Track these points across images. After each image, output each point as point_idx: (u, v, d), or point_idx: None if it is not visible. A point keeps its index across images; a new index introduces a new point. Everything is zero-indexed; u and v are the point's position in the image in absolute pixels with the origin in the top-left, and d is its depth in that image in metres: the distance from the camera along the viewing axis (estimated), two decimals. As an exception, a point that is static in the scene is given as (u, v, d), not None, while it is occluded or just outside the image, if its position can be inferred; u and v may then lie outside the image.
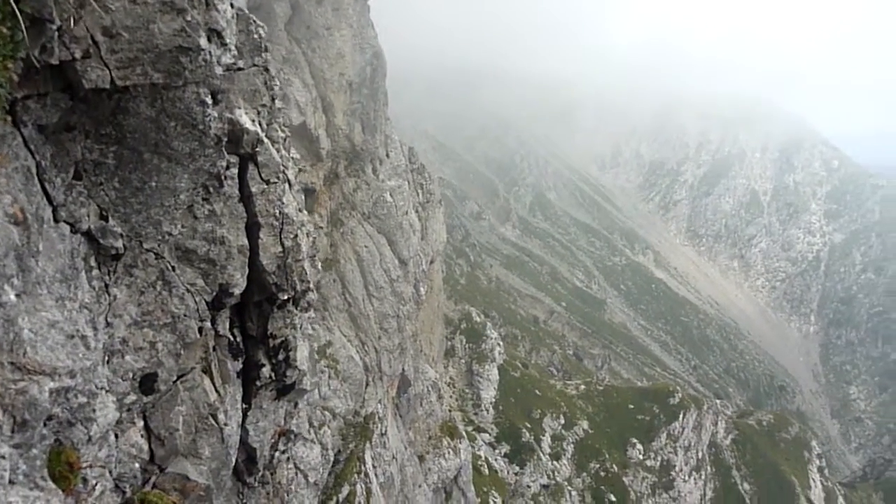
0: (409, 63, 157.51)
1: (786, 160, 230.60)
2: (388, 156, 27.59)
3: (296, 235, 4.99)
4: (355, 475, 23.39)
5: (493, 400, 64.88)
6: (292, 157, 5.28)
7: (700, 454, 77.13)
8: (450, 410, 52.27)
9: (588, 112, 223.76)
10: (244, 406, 5.15)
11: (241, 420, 5.07)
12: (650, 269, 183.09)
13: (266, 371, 5.18)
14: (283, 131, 5.17)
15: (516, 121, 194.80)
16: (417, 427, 31.80)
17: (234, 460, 5.08)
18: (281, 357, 5.24)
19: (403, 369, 29.51)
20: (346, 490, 23.06)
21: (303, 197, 5.45)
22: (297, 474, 20.99)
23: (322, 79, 23.78)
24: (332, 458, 22.46)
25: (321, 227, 25.11)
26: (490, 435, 61.49)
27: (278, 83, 19.15)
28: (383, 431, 26.22)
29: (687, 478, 74.04)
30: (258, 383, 5.19)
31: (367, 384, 25.67)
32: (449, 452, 33.13)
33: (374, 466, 25.04)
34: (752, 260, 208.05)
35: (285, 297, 5.08)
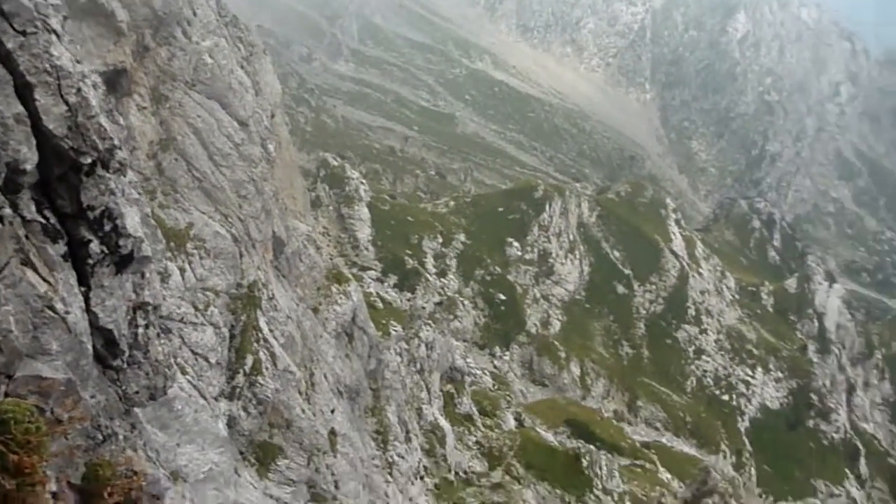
0: None
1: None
2: (195, 14, 25.29)
3: (79, 89, 4.34)
4: (255, 344, 23.37)
5: (370, 237, 65.49)
6: (52, 4, 4.49)
7: (571, 237, 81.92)
8: (331, 258, 52.47)
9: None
10: (83, 289, 4.69)
11: (84, 305, 4.63)
12: (490, 74, 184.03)
13: (95, 247, 4.68)
14: (28, -26, 4.36)
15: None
16: (303, 283, 31.73)
17: (90, 348, 4.69)
18: (108, 228, 4.73)
19: (274, 231, 28.90)
20: (249, 360, 23.06)
21: (77, 48, 4.73)
22: (196, 359, 20.73)
23: (96, -57, 21.01)
24: (227, 335, 22.22)
25: (145, 108, 23.26)
26: (375, 271, 62.61)
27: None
28: (271, 295, 26.02)
29: (564, 261, 78.94)
30: (91, 261, 4.71)
31: (241, 255, 25.05)
32: (340, 298, 33.49)
33: (271, 331, 25.03)
34: (584, 42, 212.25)
35: (90, 162, 4.50)
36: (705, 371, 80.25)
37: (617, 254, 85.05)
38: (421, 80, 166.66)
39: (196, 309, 20.87)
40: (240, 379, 22.72)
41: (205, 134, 24.55)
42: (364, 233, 65.28)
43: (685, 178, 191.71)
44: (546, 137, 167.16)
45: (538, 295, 73.88)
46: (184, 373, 19.33)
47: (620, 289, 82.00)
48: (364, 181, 71.47)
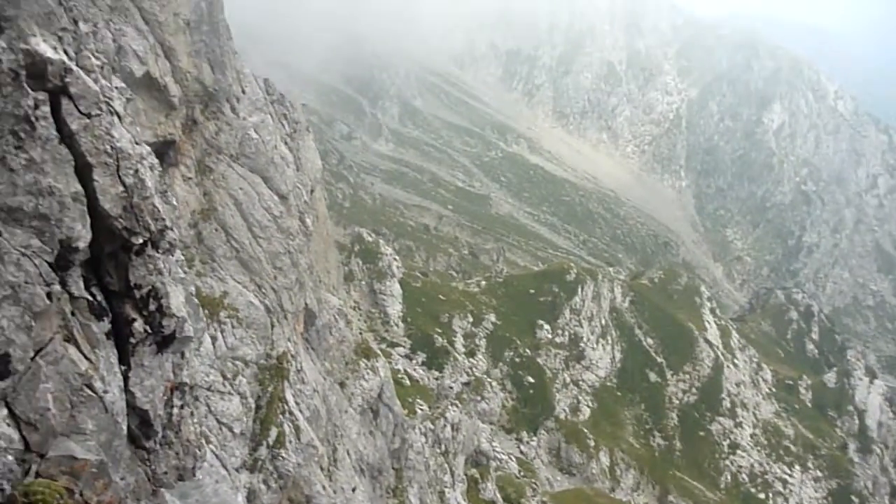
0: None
1: (634, 27, 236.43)
2: (244, 91, 26.15)
3: (136, 170, 4.43)
4: (280, 416, 23.11)
5: (401, 314, 65.44)
6: (117, 87, 4.64)
7: (603, 321, 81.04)
8: (360, 333, 52.41)
9: (434, 11, 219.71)
10: (123, 368, 4.67)
11: (122, 384, 4.61)
12: (526, 157, 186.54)
13: (139, 325, 4.68)
14: (97, 58, 4.51)
15: (368, 34, 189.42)
16: (332, 356, 31.56)
17: (125, 428, 4.64)
18: (153, 307, 4.73)
19: (306, 303, 28.98)
20: (274, 432, 22.74)
21: (138, 130, 4.84)
22: (221, 428, 20.54)
23: (156, 23, 21.96)
24: (253, 405, 22.03)
25: (190, 178, 23.81)
26: (404, 347, 62.28)
27: (109, 34, 17.62)
28: (299, 368, 25.90)
29: (595, 346, 77.92)
30: (133, 340, 4.70)
31: (272, 325, 25.09)
32: (368, 373, 33.22)
33: (297, 404, 24.80)
34: (619, 129, 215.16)
35: (141, 242, 4.55)
36: (740, 467, 77.53)
37: (650, 341, 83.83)
38: (458, 161, 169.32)
39: (224, 378, 20.78)
40: (262, 451, 22.36)
41: (245, 206, 24.95)
42: (395, 309, 65.28)
43: (720, 266, 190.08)
44: (580, 221, 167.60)
45: (568, 379, 72.74)
46: (207, 442, 19.08)
47: (653, 377, 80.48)
48: (397, 257, 71.86)
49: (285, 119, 32.10)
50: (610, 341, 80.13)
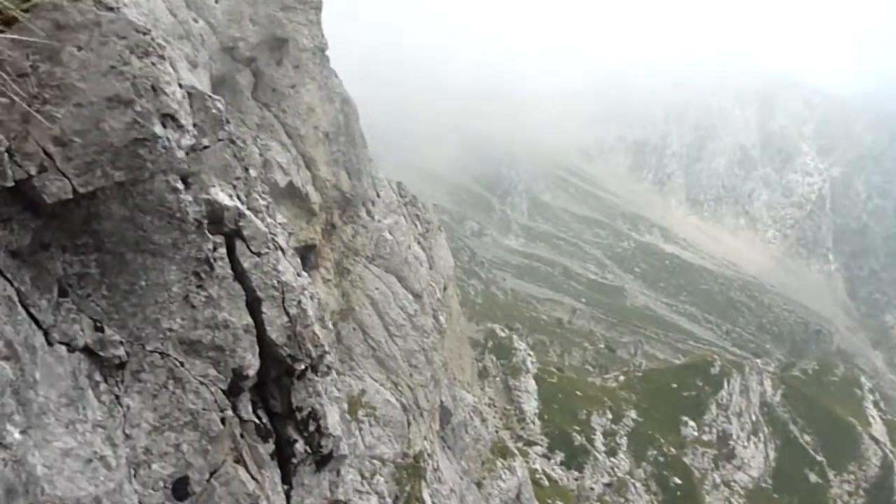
0: (375, 103, 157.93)
1: (766, 108, 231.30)
2: (378, 195, 27.55)
3: (299, 301, 4.84)
4: (418, 517, 23.08)
5: (537, 411, 64.32)
6: (280, 223, 5.15)
7: (754, 417, 76.36)
8: (496, 431, 51.77)
9: (560, 107, 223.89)
10: (285, 487, 4.96)
11: (285, 503, 4.89)
12: (660, 246, 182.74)
13: (300, 446, 4.98)
14: (263, 199, 5.04)
15: (495, 133, 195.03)
16: (468, 455, 31.37)
17: (287, 546, 4.89)
18: (312, 428, 5.04)
19: (441, 401, 29.19)
20: (412, 534, 22.70)
21: (299, 261, 5.31)
22: (360, 530, 20.60)
23: (298, 136, 23.84)
24: (391, 506, 22.16)
25: (329, 280, 25.07)
26: (542, 446, 60.87)
27: (257, 150, 19.08)
28: (436, 467, 25.90)
29: (746, 443, 73.21)
30: (294, 460, 5.00)
31: (408, 424, 25.40)
32: (505, 473, 32.70)
33: (434, 504, 24.70)
34: (758, 214, 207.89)
35: (303, 367, 4.92)
36: (922, 580, 69.37)
37: (807, 437, 77.91)
38: (589, 253, 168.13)
39: (363, 477, 21.01)
40: (401, 554, 22.31)
41: (381, 305, 25.85)
42: (530, 406, 64.31)
43: (880, 354, 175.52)
44: (721, 310, 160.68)
45: (718, 480, 68.34)
46: (349, 545, 19.14)
47: (813, 477, 74.34)
48: (531, 353, 71.32)
49: (418, 219, 33.29)
50: (762, 438, 75.10)
